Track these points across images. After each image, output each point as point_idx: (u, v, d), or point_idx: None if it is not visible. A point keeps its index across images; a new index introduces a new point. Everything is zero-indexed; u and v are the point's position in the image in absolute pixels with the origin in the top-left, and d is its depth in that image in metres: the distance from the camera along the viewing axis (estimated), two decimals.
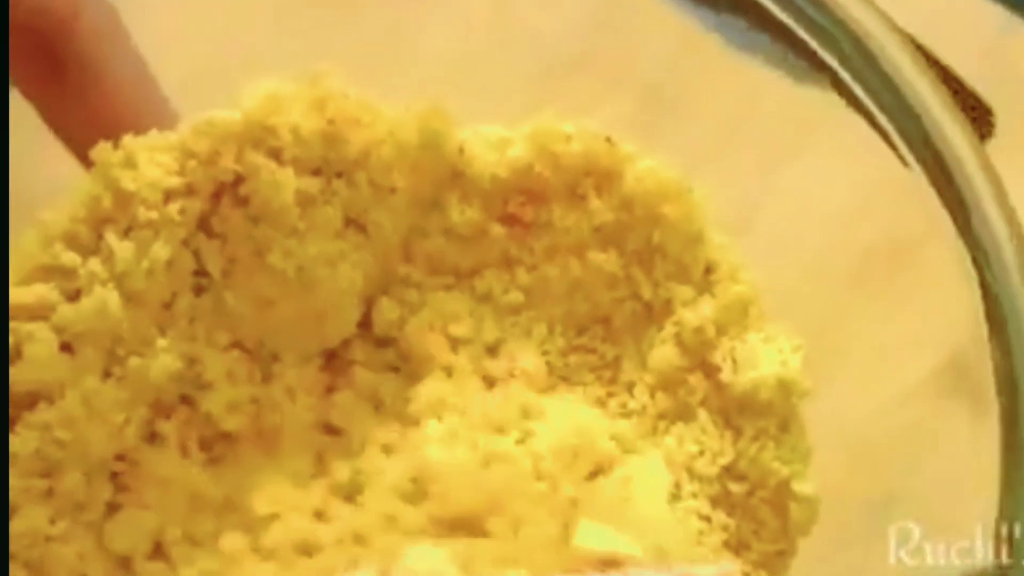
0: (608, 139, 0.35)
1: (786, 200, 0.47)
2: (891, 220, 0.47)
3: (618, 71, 0.43)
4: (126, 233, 0.34)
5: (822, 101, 0.46)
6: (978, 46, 0.55)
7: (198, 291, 0.35)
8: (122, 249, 0.33)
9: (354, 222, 0.36)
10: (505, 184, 0.36)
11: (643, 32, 0.42)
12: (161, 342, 0.34)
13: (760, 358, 0.34)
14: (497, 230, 0.36)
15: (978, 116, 0.53)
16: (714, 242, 0.36)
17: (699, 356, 0.35)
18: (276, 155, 0.34)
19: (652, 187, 0.35)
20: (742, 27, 0.48)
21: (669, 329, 0.36)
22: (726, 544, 0.35)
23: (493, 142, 0.36)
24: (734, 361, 0.35)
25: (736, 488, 0.35)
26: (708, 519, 0.35)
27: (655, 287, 0.36)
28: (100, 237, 0.34)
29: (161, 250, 0.34)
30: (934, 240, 0.45)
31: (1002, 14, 0.56)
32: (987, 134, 0.52)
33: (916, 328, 0.46)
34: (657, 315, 0.36)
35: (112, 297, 0.33)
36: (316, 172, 0.35)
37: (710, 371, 0.35)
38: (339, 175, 0.35)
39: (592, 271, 0.36)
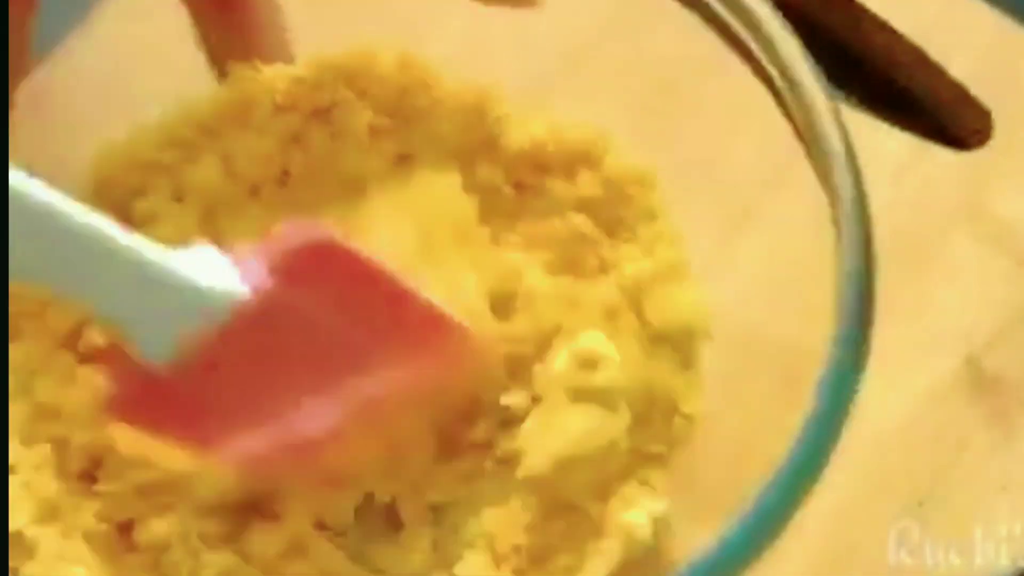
0: (598, 132, 0.47)
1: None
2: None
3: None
4: (241, 127, 0.47)
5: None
6: (978, 47, 0.56)
7: (281, 183, 0.47)
8: (236, 137, 0.47)
9: (406, 158, 0.48)
10: (523, 155, 0.47)
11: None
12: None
13: (677, 308, 0.45)
14: (508, 189, 0.47)
15: (976, 118, 0.55)
16: (665, 218, 0.46)
17: (635, 299, 0.45)
18: (361, 94, 0.47)
19: (624, 172, 0.47)
20: None
21: (614, 277, 0.46)
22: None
23: (522, 121, 0.47)
24: (658, 307, 0.46)
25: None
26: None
27: (612, 247, 0.47)
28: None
29: (262, 144, 0.47)
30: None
31: (1001, 15, 0.57)
32: (985, 136, 0.54)
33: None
34: (608, 266, 0.46)
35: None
36: (391, 114, 0.47)
37: (640, 310, 0.45)
38: (406, 121, 0.48)
39: (571, 229, 0.47)
